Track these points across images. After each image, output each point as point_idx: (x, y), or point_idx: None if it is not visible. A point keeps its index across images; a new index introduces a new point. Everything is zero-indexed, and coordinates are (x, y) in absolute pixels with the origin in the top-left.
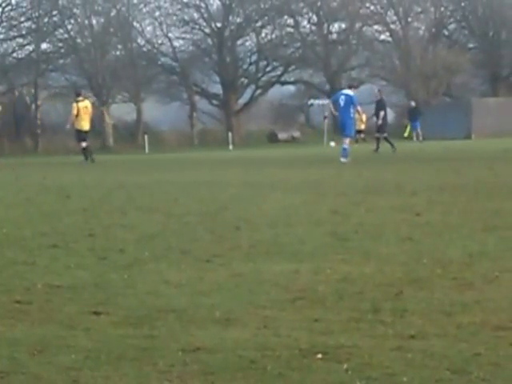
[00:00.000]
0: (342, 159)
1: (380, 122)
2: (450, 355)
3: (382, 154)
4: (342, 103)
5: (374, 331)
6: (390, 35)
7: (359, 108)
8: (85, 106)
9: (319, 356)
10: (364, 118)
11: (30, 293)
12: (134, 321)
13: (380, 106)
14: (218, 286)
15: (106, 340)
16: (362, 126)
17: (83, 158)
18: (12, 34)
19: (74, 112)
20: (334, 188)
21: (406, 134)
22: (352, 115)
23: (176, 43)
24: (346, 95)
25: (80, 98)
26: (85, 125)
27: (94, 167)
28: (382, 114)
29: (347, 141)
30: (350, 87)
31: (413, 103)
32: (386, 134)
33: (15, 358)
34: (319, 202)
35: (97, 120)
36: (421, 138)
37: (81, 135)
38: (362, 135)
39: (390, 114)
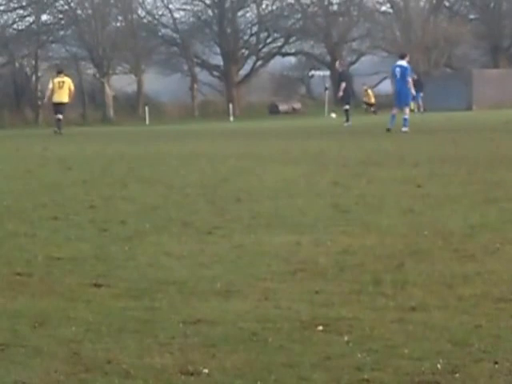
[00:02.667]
0: (404, 129)
1: (341, 93)
2: (450, 327)
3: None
4: (397, 75)
5: (375, 303)
6: (391, 6)
7: (409, 78)
8: (60, 80)
9: (320, 328)
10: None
11: (30, 265)
12: (135, 293)
13: (342, 77)
14: (218, 257)
15: (106, 312)
16: (373, 100)
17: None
18: (12, 5)
19: (50, 86)
20: (335, 160)
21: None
22: (409, 85)
23: (176, 14)
24: (401, 66)
25: (59, 75)
26: (57, 97)
27: (95, 138)
28: (343, 85)
29: (407, 110)
30: (402, 57)
31: (414, 75)
32: (347, 107)
33: (16, 330)
34: (320, 174)
35: (97, 92)
36: (422, 110)
37: (55, 107)
38: (372, 108)
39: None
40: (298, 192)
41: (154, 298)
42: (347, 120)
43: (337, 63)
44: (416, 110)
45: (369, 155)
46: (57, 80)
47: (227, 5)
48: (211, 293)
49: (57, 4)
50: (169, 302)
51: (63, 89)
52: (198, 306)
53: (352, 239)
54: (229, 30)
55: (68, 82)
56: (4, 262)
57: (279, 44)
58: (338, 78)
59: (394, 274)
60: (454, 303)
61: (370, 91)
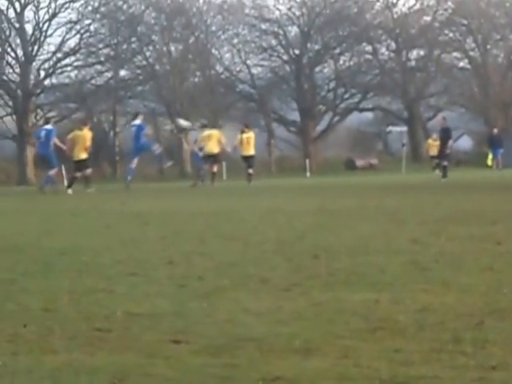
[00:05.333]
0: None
1: (449, 150)
2: None
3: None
4: None
5: (455, 362)
6: (469, 62)
7: None
8: (77, 134)
9: None
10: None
11: (109, 320)
12: (214, 349)
13: (449, 133)
14: (297, 315)
15: (185, 369)
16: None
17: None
18: (90, 60)
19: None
20: (413, 216)
21: (489, 163)
22: None
23: (254, 70)
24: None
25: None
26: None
27: (172, 194)
28: (450, 142)
29: None
30: None
31: (495, 130)
32: (446, 163)
33: None
34: (398, 231)
35: (175, 147)
36: (500, 166)
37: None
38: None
39: (469, 142)
40: (375, 249)
41: (233, 354)
42: (444, 176)
43: (441, 118)
44: (495, 167)
45: (447, 212)
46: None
47: (304, 61)
48: (290, 350)
49: (135, 59)
50: (247, 359)
51: (78, 144)
52: (276, 363)
53: (431, 297)
54: (306, 86)
55: (82, 136)
56: (83, 317)
57: (356, 100)
58: (444, 133)
59: (474, 332)
60: None
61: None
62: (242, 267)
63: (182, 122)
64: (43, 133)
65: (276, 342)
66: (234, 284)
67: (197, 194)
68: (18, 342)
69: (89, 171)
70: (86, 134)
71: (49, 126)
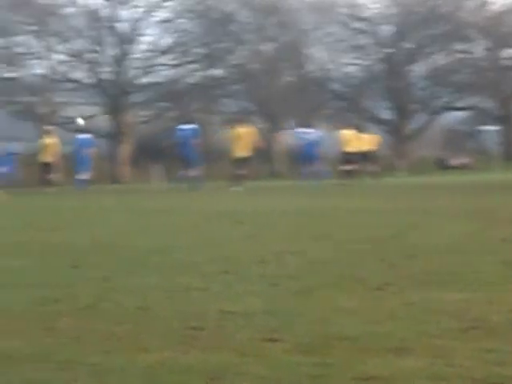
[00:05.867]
0: None
1: None
2: None
3: None
4: None
5: None
6: None
7: None
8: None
9: None
10: None
11: (202, 319)
12: (307, 348)
13: None
14: (390, 314)
15: (279, 367)
16: None
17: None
18: (184, 59)
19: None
20: (507, 216)
21: None
22: None
23: (346, 69)
24: None
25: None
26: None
27: (264, 192)
28: None
29: None
30: None
31: None
32: None
33: None
34: (492, 230)
35: (266, 146)
36: None
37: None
38: None
39: None
40: (469, 248)
41: (326, 353)
42: None
43: None
44: None
45: None
46: None
47: (397, 59)
48: (383, 350)
49: (228, 58)
50: (341, 358)
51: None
52: (370, 362)
53: None
54: (398, 85)
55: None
56: (176, 315)
57: (449, 99)
58: None
59: None
60: None
61: None
62: (334, 266)
63: (79, 121)
64: (185, 133)
65: (369, 341)
66: (326, 283)
67: (287, 193)
68: (111, 340)
69: (244, 171)
70: (249, 131)
71: (191, 126)
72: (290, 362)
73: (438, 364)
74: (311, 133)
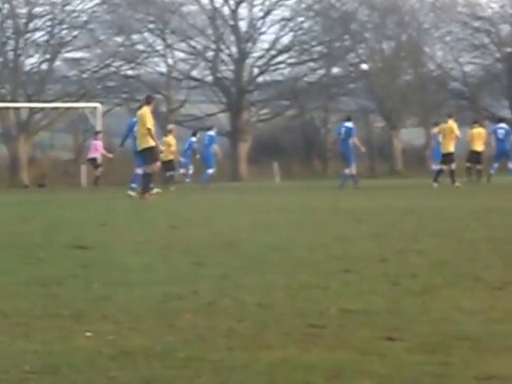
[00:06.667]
0: None
1: None
2: None
3: None
4: None
5: None
6: None
7: None
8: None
9: None
10: None
11: (323, 317)
12: (428, 347)
13: None
14: (511, 313)
15: (400, 366)
16: None
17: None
18: (303, 58)
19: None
20: None
21: None
22: None
23: (466, 68)
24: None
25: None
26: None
27: (384, 191)
28: None
29: None
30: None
31: None
32: None
33: (310, 382)
34: None
35: (385, 144)
36: None
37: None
38: None
39: None
40: None
41: (448, 352)
42: None
43: None
44: None
45: None
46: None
47: None
48: (504, 349)
49: (347, 57)
50: (462, 358)
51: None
52: (491, 361)
53: None
54: None
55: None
56: (298, 313)
57: None
58: None
59: None
60: None
61: None
62: (455, 265)
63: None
64: (343, 130)
65: (490, 340)
66: (447, 282)
67: (407, 192)
68: (233, 337)
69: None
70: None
71: (349, 124)
72: (411, 361)
73: None
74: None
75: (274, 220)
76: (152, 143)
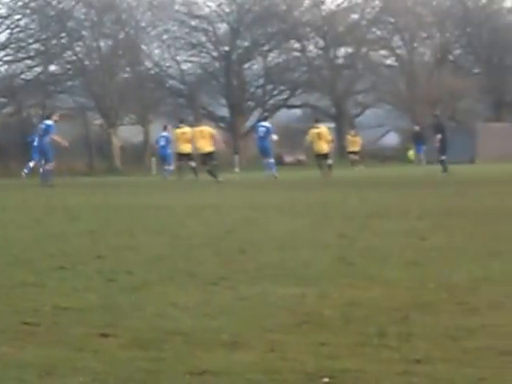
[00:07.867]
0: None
1: (437, 144)
2: (455, 380)
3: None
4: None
5: (380, 355)
6: (396, 60)
7: None
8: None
9: (325, 380)
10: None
11: (38, 314)
12: (142, 343)
13: (438, 128)
14: (224, 308)
15: (113, 362)
16: (357, 148)
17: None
18: (20, 55)
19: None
20: (340, 211)
21: (410, 158)
22: None
23: (184, 66)
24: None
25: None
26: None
27: (101, 188)
28: (438, 136)
29: None
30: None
31: (416, 127)
32: (444, 157)
33: (23, 380)
34: (325, 226)
35: (104, 142)
36: (423, 163)
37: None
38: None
39: (396, 138)
40: (303, 243)
41: (161, 348)
42: (445, 170)
43: (433, 115)
44: (416, 162)
45: (373, 207)
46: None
47: (234, 57)
48: (217, 344)
49: (65, 55)
50: (175, 353)
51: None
52: (204, 356)
53: (357, 291)
54: (235, 82)
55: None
56: (12, 311)
57: (285, 96)
58: (434, 129)
59: (399, 326)
60: (459, 356)
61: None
62: (170, 261)
63: None
64: (42, 127)
65: (203, 335)
66: (162, 278)
67: (125, 189)
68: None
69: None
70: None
71: (48, 121)
72: (125, 356)
73: (271, 358)
74: None
75: None
76: None
